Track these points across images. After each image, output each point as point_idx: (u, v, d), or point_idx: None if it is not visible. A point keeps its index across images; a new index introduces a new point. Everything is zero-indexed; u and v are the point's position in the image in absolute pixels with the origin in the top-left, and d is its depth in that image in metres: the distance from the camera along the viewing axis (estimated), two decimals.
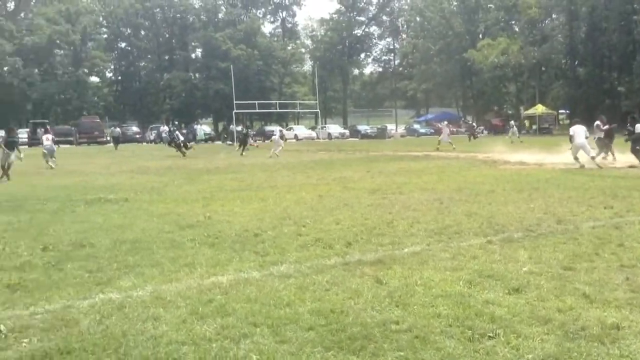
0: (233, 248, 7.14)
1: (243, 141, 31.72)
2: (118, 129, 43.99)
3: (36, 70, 67.33)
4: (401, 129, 68.39)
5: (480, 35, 68.61)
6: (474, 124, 51.88)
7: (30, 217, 9.70)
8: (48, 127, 49.21)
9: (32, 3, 73.38)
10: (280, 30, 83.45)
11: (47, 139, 24.11)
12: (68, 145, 48.44)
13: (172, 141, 31.19)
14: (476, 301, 4.86)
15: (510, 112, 68.30)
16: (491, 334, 4.15)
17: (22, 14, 73.78)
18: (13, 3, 75.26)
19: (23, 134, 50.25)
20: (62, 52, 68.80)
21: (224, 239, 7.70)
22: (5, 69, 64.91)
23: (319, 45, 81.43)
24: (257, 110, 54.37)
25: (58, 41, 66.32)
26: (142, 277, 5.87)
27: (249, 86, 66.00)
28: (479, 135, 44.27)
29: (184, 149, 29.34)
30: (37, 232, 8.26)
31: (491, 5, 67.84)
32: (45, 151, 23.30)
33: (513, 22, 67.70)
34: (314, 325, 4.42)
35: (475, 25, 69.42)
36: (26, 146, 45.55)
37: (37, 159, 24.45)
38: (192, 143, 34.10)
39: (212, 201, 11.41)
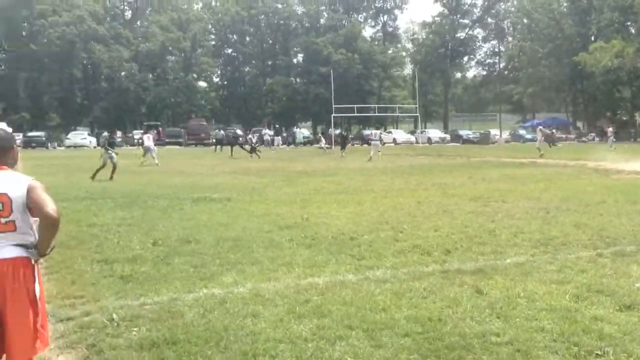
0: (329, 250, 7.20)
1: (342, 143, 32.57)
2: (222, 132, 45.77)
3: (150, 75, 71.85)
4: (506, 135, 65.74)
5: (592, 38, 64.64)
6: (553, 130, 48.60)
7: (142, 213, 10.33)
8: (160, 128, 52.40)
9: (147, 12, 78.33)
10: (380, 34, 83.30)
11: (148, 139, 27.42)
12: (177, 147, 51.11)
13: (244, 143, 33.57)
14: (583, 317, 4.59)
15: (624, 118, 63.82)
16: (599, 352, 3.91)
17: (138, 22, 79.04)
18: (130, 12, 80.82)
19: (137, 135, 53.89)
20: (173, 58, 72.85)
21: (321, 240, 7.78)
22: (123, 74, 69.85)
23: (420, 48, 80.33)
24: (356, 114, 54.56)
25: (170, 48, 70.28)
26: (243, 274, 6.06)
27: (348, 90, 66.42)
28: (558, 143, 41.38)
29: (256, 152, 32.02)
30: (148, 228, 8.77)
31: (605, 7, 63.70)
32: (145, 148, 26.40)
33: (629, 23, 63.15)
34: (410, 332, 4.36)
35: (587, 27, 65.43)
36: (140, 147, 48.70)
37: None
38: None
39: (309, 203, 11.59)
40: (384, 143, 31.66)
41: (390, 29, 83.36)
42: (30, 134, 52.68)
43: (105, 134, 25.43)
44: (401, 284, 5.69)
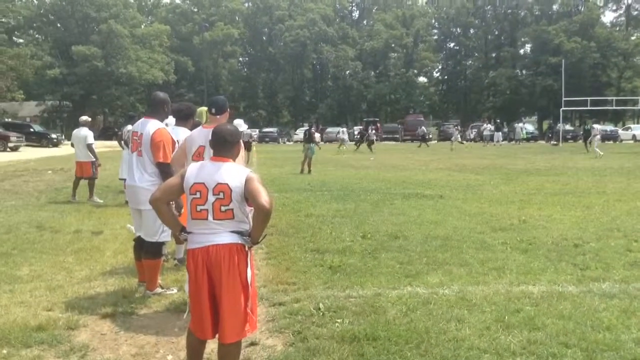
0: (548, 257, 6.60)
1: (585, 138, 29.86)
2: (423, 128, 45.24)
3: (372, 73, 74.23)
4: None
5: None
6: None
7: (355, 206, 10.63)
8: (378, 124, 53.86)
9: (373, 11, 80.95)
10: (623, 18, 74.40)
11: (343, 132, 38.60)
12: (393, 142, 51.97)
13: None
14: None
15: None
16: None
17: (364, 22, 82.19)
18: (358, 12, 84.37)
19: (356, 131, 56.10)
20: (395, 54, 74.18)
21: (539, 246, 7.17)
22: (347, 72, 73.30)
23: None
24: (589, 108, 49.66)
25: (393, 45, 71.68)
26: (450, 275, 5.85)
27: (582, 81, 60.70)
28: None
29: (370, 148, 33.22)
30: (359, 221, 8.98)
31: None
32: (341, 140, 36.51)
33: None
34: (639, 357, 3.76)
35: None
36: (353, 142, 50.68)
37: (364, 154, 27.01)
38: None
39: (528, 204, 10.80)
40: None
41: (635, 12, 73.93)
42: (264, 130, 58.02)
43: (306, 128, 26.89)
44: (632, 300, 4.98)
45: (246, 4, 79.78)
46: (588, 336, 4.17)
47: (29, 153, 30.59)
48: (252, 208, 3.32)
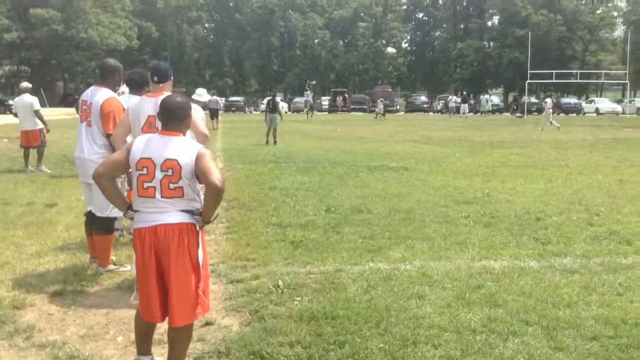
0: (510, 231, 6.60)
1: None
2: (380, 100, 44.76)
3: (341, 42, 73.54)
4: None
5: None
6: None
7: (320, 179, 10.49)
8: (346, 95, 53.67)
9: None
10: None
11: (308, 95, 40.92)
12: (361, 113, 51.85)
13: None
14: None
15: None
16: None
17: None
18: None
19: (325, 101, 55.87)
20: (364, 24, 73.57)
21: (502, 219, 7.18)
22: (316, 41, 72.48)
23: (635, 7, 70.97)
24: (554, 81, 50.28)
25: (362, 14, 71.04)
26: (412, 250, 5.79)
27: (547, 55, 61.31)
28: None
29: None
30: (324, 194, 8.86)
31: None
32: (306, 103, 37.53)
33: None
34: (599, 335, 3.77)
35: None
36: (327, 112, 50.55)
37: (334, 125, 26.87)
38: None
39: (492, 177, 10.84)
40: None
41: None
42: (231, 99, 57.15)
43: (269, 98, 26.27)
44: (592, 276, 4.98)
45: None
46: (549, 313, 4.14)
47: None
48: (203, 186, 3.13)
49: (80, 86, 57.81)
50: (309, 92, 46.63)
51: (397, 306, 4.27)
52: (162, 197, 3.10)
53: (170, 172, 3.08)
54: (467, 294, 4.52)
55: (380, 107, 40.01)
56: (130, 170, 3.24)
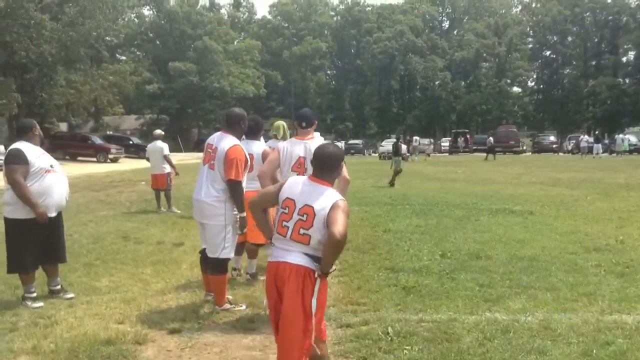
0: None
1: None
2: (490, 139, 43.27)
3: (462, 83, 72.56)
4: None
5: None
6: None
7: (437, 222, 10.20)
8: (468, 136, 52.56)
9: (464, 20, 79.20)
10: None
11: (416, 141, 40.35)
12: (484, 154, 50.18)
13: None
14: None
15: None
16: None
17: (454, 32, 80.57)
18: (448, 22, 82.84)
19: (445, 142, 55.03)
20: (487, 64, 72.08)
21: (637, 269, 6.52)
22: (437, 83, 72.07)
23: None
24: None
25: (484, 54, 69.72)
26: (534, 300, 5.41)
27: None
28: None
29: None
30: (440, 238, 8.59)
31: None
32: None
33: None
34: None
35: None
36: (447, 154, 49.68)
37: (455, 166, 26.50)
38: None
39: (628, 222, 9.94)
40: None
41: None
42: (350, 142, 58.07)
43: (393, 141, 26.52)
44: None
45: (335, 18, 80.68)
46: None
47: (127, 164, 32.25)
48: None
49: (212, 132, 61.65)
50: (416, 137, 45.62)
51: None
52: (291, 238, 3.25)
53: (304, 217, 3.22)
54: (594, 351, 4.13)
55: (489, 146, 39.05)
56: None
